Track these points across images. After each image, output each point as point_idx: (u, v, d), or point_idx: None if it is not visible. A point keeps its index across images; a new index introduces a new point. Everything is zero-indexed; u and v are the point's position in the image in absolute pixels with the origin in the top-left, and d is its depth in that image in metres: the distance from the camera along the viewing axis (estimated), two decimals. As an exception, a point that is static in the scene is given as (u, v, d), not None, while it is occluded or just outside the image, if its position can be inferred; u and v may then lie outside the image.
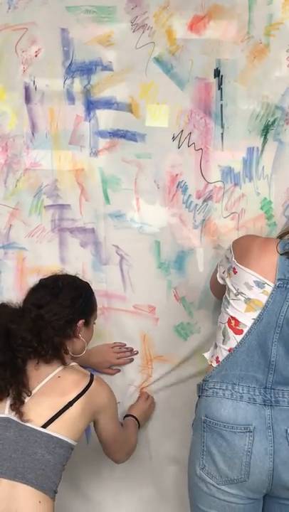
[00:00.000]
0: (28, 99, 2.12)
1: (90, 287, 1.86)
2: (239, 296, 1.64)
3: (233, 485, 1.56)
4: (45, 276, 1.83)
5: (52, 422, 1.58)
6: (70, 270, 1.96)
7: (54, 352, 1.67)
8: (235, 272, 1.67)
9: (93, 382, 1.68)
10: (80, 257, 2.16)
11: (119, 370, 2.15)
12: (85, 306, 1.79)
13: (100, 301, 2.10)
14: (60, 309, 1.72)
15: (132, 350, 2.15)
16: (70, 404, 1.61)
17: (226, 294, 1.71)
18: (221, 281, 1.83)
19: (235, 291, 1.65)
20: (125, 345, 2.16)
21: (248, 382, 1.60)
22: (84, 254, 2.17)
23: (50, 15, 2.07)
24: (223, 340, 1.66)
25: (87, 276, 2.12)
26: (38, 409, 1.59)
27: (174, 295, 2.15)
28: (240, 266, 1.65)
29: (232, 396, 1.60)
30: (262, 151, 2.09)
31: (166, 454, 2.18)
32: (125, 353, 2.14)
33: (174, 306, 2.15)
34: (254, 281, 1.61)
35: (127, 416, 2.06)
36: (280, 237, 1.73)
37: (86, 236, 2.17)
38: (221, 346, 1.66)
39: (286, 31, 2.03)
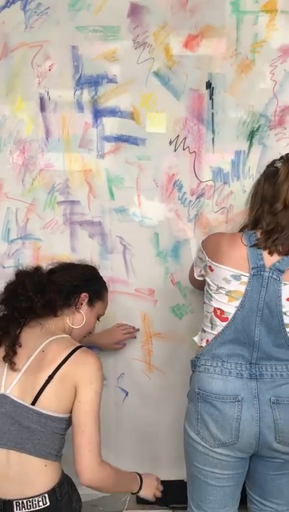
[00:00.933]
0: (42, 108, 2.18)
1: (99, 274, 1.88)
2: (220, 290, 1.66)
3: (224, 447, 1.63)
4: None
5: (38, 397, 1.55)
6: (80, 258, 2.03)
7: (46, 305, 1.66)
8: (211, 270, 1.69)
9: (76, 352, 1.59)
10: (89, 247, 2.25)
11: (125, 344, 2.25)
12: (92, 284, 1.80)
13: None
14: (68, 277, 1.74)
15: (134, 327, 2.26)
16: (50, 377, 1.56)
17: (207, 287, 1.72)
18: (200, 279, 1.84)
19: (215, 287, 1.67)
20: (126, 324, 2.26)
21: (236, 359, 1.65)
22: (92, 244, 2.25)
23: (61, 34, 2.14)
24: (211, 327, 1.69)
25: (95, 263, 2.12)
26: (27, 387, 1.57)
27: (171, 280, 2.27)
28: (215, 264, 1.67)
29: (222, 372, 1.65)
30: (248, 153, 2.20)
31: (165, 419, 2.30)
32: (129, 329, 2.24)
33: (170, 289, 2.26)
34: (231, 276, 1.63)
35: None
36: (241, 230, 1.74)
37: (94, 228, 2.25)
38: (209, 332, 1.70)
39: (269, 48, 2.15)
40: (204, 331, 1.74)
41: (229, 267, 1.64)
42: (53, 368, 1.57)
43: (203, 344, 1.72)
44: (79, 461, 1.55)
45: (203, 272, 1.79)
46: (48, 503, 1.56)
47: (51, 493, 1.57)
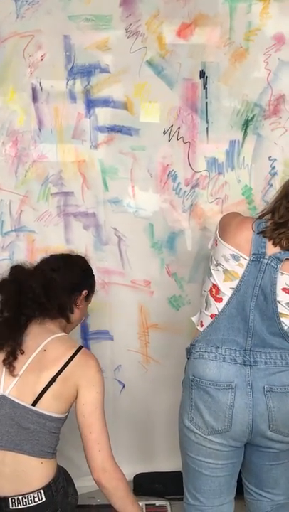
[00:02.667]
0: (35, 98, 2.17)
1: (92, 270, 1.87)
2: (218, 267, 1.66)
3: (217, 435, 1.61)
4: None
5: (39, 399, 1.54)
6: (75, 250, 2.01)
7: (60, 309, 1.67)
8: (216, 245, 1.70)
9: (78, 354, 1.59)
10: (83, 239, 2.26)
11: None
12: (89, 278, 1.82)
13: (101, 277, 2.24)
14: (71, 276, 1.73)
15: None
16: (54, 379, 1.55)
17: (209, 263, 1.73)
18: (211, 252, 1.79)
19: (215, 262, 1.68)
20: None
21: (230, 345, 1.64)
22: (86, 235, 2.26)
23: (53, 23, 2.13)
24: (206, 307, 1.69)
25: (90, 255, 2.16)
26: (27, 387, 1.56)
27: (167, 271, 2.28)
28: (220, 239, 1.68)
29: (216, 358, 1.63)
30: (242, 143, 2.21)
31: (162, 411, 2.32)
32: None
33: (166, 280, 2.28)
34: (230, 255, 1.64)
35: None
36: (260, 217, 1.72)
37: (88, 220, 2.26)
38: (204, 312, 1.70)
39: (263, 37, 2.16)
40: (200, 312, 1.74)
41: (231, 246, 1.65)
42: (56, 369, 1.56)
43: (199, 328, 1.71)
44: (90, 460, 1.57)
45: (211, 245, 1.78)
46: (44, 499, 1.56)
47: (46, 488, 1.57)
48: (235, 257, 1.64)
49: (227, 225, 1.71)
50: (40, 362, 1.57)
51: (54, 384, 1.55)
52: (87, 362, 1.60)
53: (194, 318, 1.80)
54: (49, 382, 1.55)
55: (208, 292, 1.70)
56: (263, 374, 1.63)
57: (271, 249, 1.63)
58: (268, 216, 1.71)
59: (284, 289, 1.64)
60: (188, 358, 1.74)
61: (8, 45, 2.16)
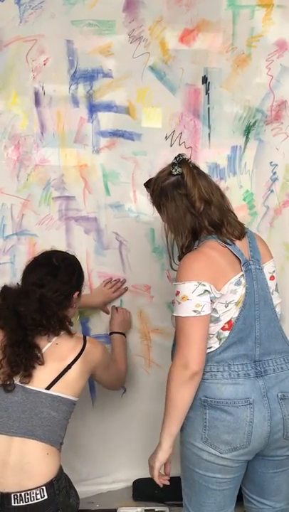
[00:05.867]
0: (37, 102, 2.18)
1: (78, 260, 1.88)
2: (230, 305, 1.61)
3: (235, 452, 1.59)
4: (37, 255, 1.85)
5: (54, 383, 1.65)
6: (76, 254, 2.00)
7: (60, 325, 1.72)
8: (220, 293, 1.59)
9: (87, 344, 1.75)
10: (84, 243, 2.25)
11: (116, 308, 2.25)
12: (78, 279, 1.83)
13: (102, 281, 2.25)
14: (60, 286, 1.74)
15: (119, 279, 2.25)
16: (69, 367, 1.68)
17: (209, 312, 1.60)
18: (205, 313, 1.58)
19: (223, 306, 1.60)
20: (112, 279, 2.25)
21: (241, 360, 1.62)
22: (87, 240, 2.25)
23: (56, 28, 2.14)
24: (220, 342, 1.62)
25: (91, 259, 2.23)
26: (41, 374, 1.65)
27: (167, 276, 2.27)
28: (223, 283, 1.60)
29: (230, 376, 1.60)
30: (244, 149, 2.21)
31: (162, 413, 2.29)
32: (117, 285, 2.25)
33: (166, 285, 2.25)
34: (235, 284, 1.61)
35: (111, 333, 2.16)
36: (182, 250, 1.68)
37: (89, 224, 2.25)
38: (215, 346, 1.62)
39: (266, 43, 2.16)
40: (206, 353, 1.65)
41: (233, 275, 1.62)
42: (72, 357, 1.70)
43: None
44: (113, 388, 2.08)
45: (206, 305, 1.58)
46: (46, 496, 1.58)
47: (49, 486, 1.59)
48: (239, 282, 1.63)
49: (215, 268, 1.61)
50: (53, 354, 1.69)
51: (69, 371, 1.68)
52: (96, 348, 1.79)
53: None
54: (64, 369, 1.67)
55: (220, 330, 1.63)
56: (274, 382, 1.63)
57: (244, 250, 1.67)
58: (187, 239, 1.67)
59: (270, 278, 1.70)
60: None
61: (11, 49, 2.17)
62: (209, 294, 1.57)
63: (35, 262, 1.81)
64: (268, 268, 1.72)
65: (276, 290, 1.74)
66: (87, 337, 1.79)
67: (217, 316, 1.61)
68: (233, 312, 1.62)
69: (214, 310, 1.61)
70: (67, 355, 1.70)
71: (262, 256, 1.72)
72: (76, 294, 1.81)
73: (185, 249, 1.67)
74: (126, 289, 2.27)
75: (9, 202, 2.24)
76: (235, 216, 1.75)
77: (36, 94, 2.19)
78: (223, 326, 1.63)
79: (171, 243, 1.74)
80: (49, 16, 2.16)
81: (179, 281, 1.60)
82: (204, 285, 1.56)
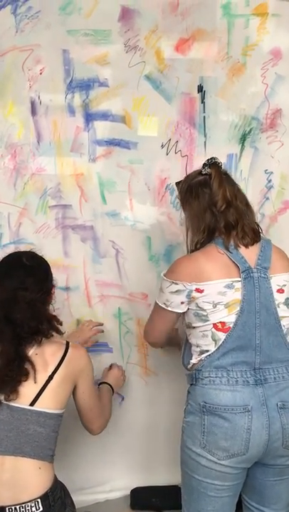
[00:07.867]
0: (33, 112, 2.18)
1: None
2: (218, 306, 1.63)
3: (232, 459, 1.60)
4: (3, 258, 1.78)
5: (38, 397, 1.60)
6: (73, 263, 2.07)
7: (50, 326, 1.68)
8: (201, 292, 1.64)
9: (69, 349, 1.68)
10: (81, 251, 2.25)
11: (96, 341, 2.23)
12: (51, 275, 1.79)
13: (99, 290, 2.26)
14: (41, 285, 1.70)
15: (99, 323, 2.23)
16: (51, 377, 1.62)
17: (196, 312, 1.67)
18: (177, 311, 1.71)
19: (211, 306, 1.64)
20: (91, 320, 2.22)
21: (240, 367, 1.63)
22: (84, 248, 2.25)
23: (52, 37, 2.13)
24: (215, 343, 1.65)
25: (87, 267, 2.24)
26: (25, 389, 1.60)
27: None
28: (204, 283, 1.64)
29: (228, 382, 1.62)
30: (240, 157, 2.22)
31: (161, 424, 2.31)
32: (95, 324, 2.21)
33: None
34: (224, 286, 1.63)
35: (101, 383, 2.05)
36: (201, 244, 1.72)
37: (86, 232, 2.25)
38: (212, 349, 1.65)
39: (261, 51, 2.18)
40: (202, 352, 1.69)
41: (220, 278, 1.64)
42: (52, 368, 1.64)
43: (200, 355, 1.69)
44: (91, 427, 1.83)
45: (186, 300, 1.68)
46: (41, 508, 1.57)
47: (44, 497, 1.58)
48: (230, 286, 1.64)
49: (196, 268, 1.67)
50: (37, 363, 1.63)
51: (51, 382, 1.62)
52: (79, 354, 1.72)
53: (194, 360, 1.73)
54: (46, 381, 1.62)
55: (213, 329, 1.66)
56: (274, 390, 1.63)
57: (251, 259, 1.66)
58: (203, 235, 1.71)
59: (278, 291, 1.67)
60: (192, 384, 1.71)
61: (8, 58, 2.16)
62: (184, 293, 1.66)
63: (6, 266, 1.74)
64: (277, 280, 1.69)
65: (285, 304, 1.69)
66: (70, 342, 1.73)
67: (205, 314, 1.65)
68: (223, 314, 1.64)
69: (200, 308, 1.66)
70: (48, 364, 1.65)
71: (273, 266, 1.69)
72: (54, 288, 1.79)
73: (199, 245, 1.73)
74: (102, 331, 2.25)
75: (6, 211, 2.24)
76: (258, 226, 1.77)
77: (32, 103, 2.19)
78: (216, 326, 1.64)
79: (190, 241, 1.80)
80: (45, 26, 2.15)
81: (163, 275, 1.74)
82: (177, 284, 1.67)
